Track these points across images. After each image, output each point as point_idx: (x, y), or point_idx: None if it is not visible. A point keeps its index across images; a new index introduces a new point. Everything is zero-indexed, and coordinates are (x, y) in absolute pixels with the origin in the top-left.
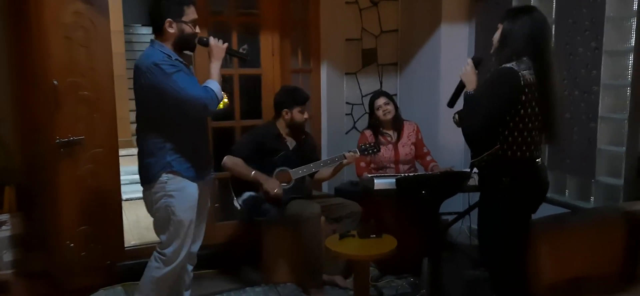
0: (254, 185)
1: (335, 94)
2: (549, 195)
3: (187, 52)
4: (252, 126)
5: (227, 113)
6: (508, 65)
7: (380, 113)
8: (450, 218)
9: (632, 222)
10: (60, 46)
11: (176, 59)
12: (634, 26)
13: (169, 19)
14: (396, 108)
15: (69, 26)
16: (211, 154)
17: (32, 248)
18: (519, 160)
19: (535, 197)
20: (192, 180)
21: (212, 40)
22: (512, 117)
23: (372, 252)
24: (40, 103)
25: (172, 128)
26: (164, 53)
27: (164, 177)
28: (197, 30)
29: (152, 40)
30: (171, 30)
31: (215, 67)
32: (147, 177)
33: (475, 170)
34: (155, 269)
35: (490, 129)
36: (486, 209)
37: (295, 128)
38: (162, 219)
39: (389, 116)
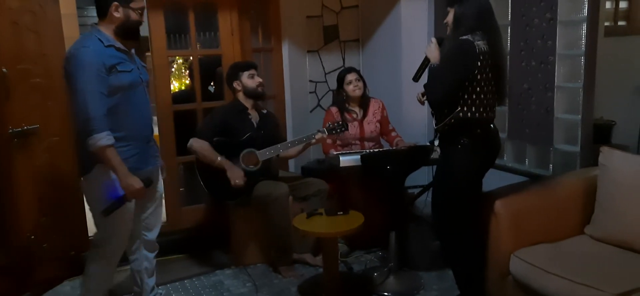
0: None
1: (298, 72)
2: (510, 164)
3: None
4: (213, 108)
5: (189, 95)
6: (464, 37)
7: (350, 88)
8: (415, 191)
9: (588, 187)
10: (7, 32)
11: (110, 45)
12: None
13: (116, 3)
14: (365, 85)
15: (15, 11)
16: (155, 142)
17: None
18: (477, 120)
19: (489, 157)
20: (131, 172)
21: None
22: (470, 82)
23: (340, 229)
24: None
25: (109, 118)
26: (99, 39)
27: (100, 168)
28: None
29: (92, 25)
30: (117, 15)
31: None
32: (84, 168)
33: (436, 142)
34: (92, 261)
35: (453, 94)
36: (444, 171)
37: (253, 96)
38: (100, 208)
39: (359, 92)
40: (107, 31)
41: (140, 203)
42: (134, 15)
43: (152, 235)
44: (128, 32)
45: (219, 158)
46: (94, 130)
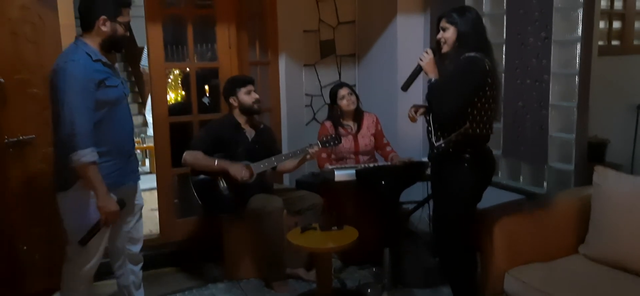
0: (218, 175)
1: (295, 86)
2: (504, 181)
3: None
4: (210, 120)
5: (184, 107)
6: (472, 54)
7: (344, 102)
8: (410, 207)
9: (582, 206)
10: (6, 42)
11: (97, 59)
12: (581, 16)
13: (103, 17)
14: (358, 99)
15: (15, 21)
16: (136, 157)
17: None
18: (482, 136)
19: (488, 174)
20: (110, 187)
21: None
22: (479, 98)
23: (333, 244)
24: None
25: (93, 133)
26: (87, 53)
27: (80, 187)
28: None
29: (77, 37)
30: (104, 29)
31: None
32: (63, 184)
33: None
34: (68, 273)
35: (463, 110)
36: (448, 188)
37: (249, 113)
38: (76, 225)
39: (352, 107)
40: (92, 44)
41: (126, 214)
42: (120, 30)
43: (136, 248)
44: (113, 46)
45: (216, 161)
46: (79, 145)
